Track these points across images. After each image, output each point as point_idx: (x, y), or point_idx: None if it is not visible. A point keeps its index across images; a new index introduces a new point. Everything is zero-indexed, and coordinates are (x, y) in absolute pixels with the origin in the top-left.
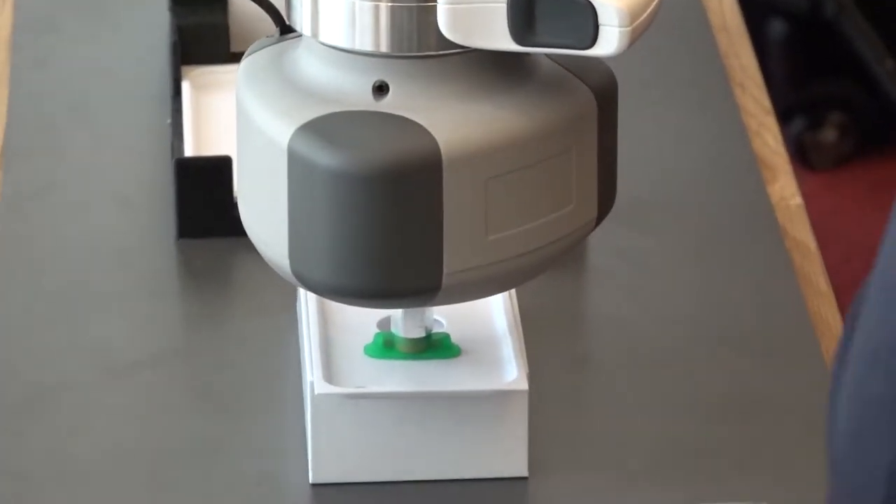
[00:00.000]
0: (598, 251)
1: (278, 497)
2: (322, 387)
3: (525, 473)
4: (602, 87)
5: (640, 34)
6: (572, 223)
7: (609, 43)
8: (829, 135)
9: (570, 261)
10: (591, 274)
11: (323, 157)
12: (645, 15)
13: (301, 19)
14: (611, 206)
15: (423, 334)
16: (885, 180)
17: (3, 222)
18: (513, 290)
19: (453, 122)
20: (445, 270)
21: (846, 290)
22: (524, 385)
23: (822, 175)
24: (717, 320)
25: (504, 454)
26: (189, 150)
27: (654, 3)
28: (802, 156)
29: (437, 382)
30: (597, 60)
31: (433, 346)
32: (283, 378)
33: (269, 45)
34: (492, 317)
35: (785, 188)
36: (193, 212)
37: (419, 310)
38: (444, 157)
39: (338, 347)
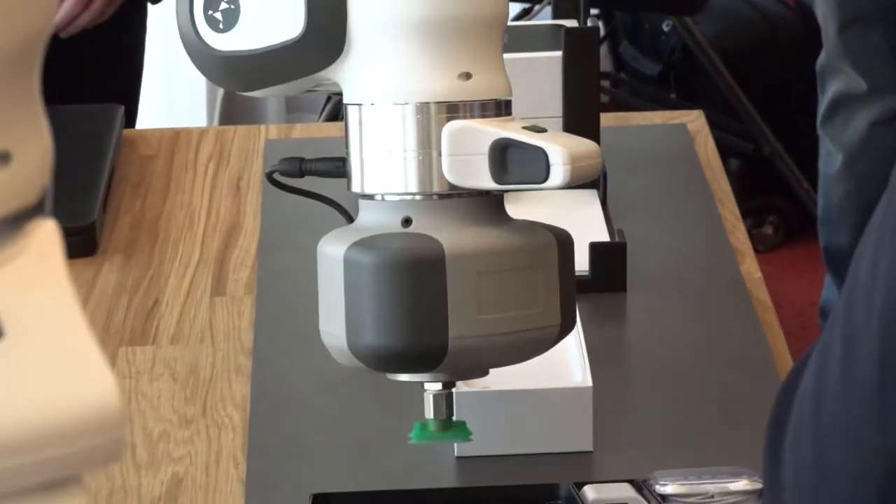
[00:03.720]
0: (634, 308)
1: (436, 465)
2: (460, 387)
3: (591, 448)
4: (562, 239)
5: (582, 175)
6: (539, 322)
7: (557, 177)
8: (767, 230)
9: (617, 314)
10: (630, 323)
11: (365, 259)
12: (587, 161)
13: (353, 183)
14: (572, 327)
15: (444, 416)
16: (804, 258)
17: (260, 298)
18: (578, 318)
19: (455, 235)
20: (451, 335)
21: (780, 321)
22: (589, 383)
23: (763, 255)
24: (710, 349)
25: (576, 434)
26: None
27: (597, 159)
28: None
29: (531, 383)
30: (562, 229)
31: (455, 427)
32: None
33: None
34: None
35: (750, 267)
36: None
37: (442, 395)
38: (447, 255)
39: None
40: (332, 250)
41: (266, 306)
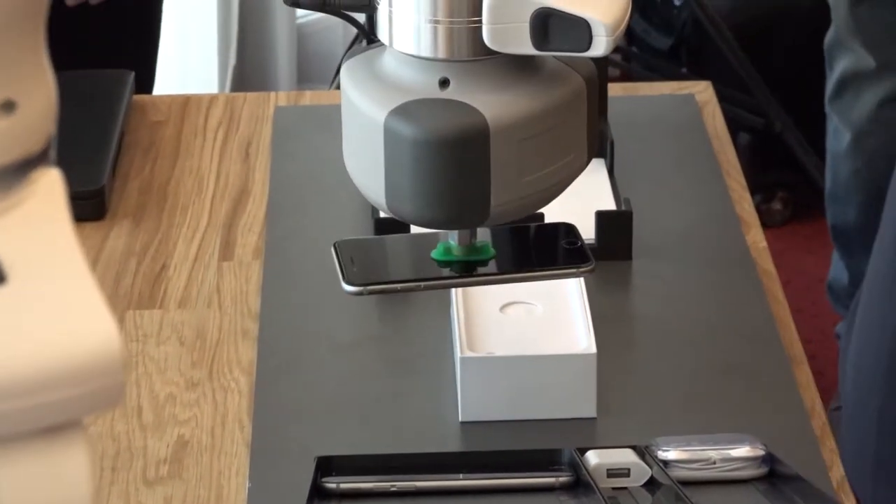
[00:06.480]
0: (639, 276)
1: (440, 430)
2: (465, 352)
3: (594, 414)
4: (588, 75)
5: (619, 39)
6: (573, 167)
7: (599, 47)
8: (776, 205)
9: (622, 282)
10: (635, 291)
11: (408, 131)
12: (623, 26)
13: (383, 35)
14: (595, 153)
15: (468, 244)
16: (813, 234)
17: (268, 263)
18: (583, 285)
19: (496, 104)
20: (493, 204)
21: (790, 297)
22: (593, 350)
23: (772, 230)
24: (714, 317)
25: (580, 400)
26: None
27: (627, 13)
28: (759, 218)
29: (535, 349)
30: (586, 62)
31: (476, 251)
32: (442, 352)
33: (361, 52)
34: (570, 305)
35: (756, 236)
36: None
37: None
38: (490, 128)
39: (474, 322)
40: (370, 109)
41: (274, 271)
